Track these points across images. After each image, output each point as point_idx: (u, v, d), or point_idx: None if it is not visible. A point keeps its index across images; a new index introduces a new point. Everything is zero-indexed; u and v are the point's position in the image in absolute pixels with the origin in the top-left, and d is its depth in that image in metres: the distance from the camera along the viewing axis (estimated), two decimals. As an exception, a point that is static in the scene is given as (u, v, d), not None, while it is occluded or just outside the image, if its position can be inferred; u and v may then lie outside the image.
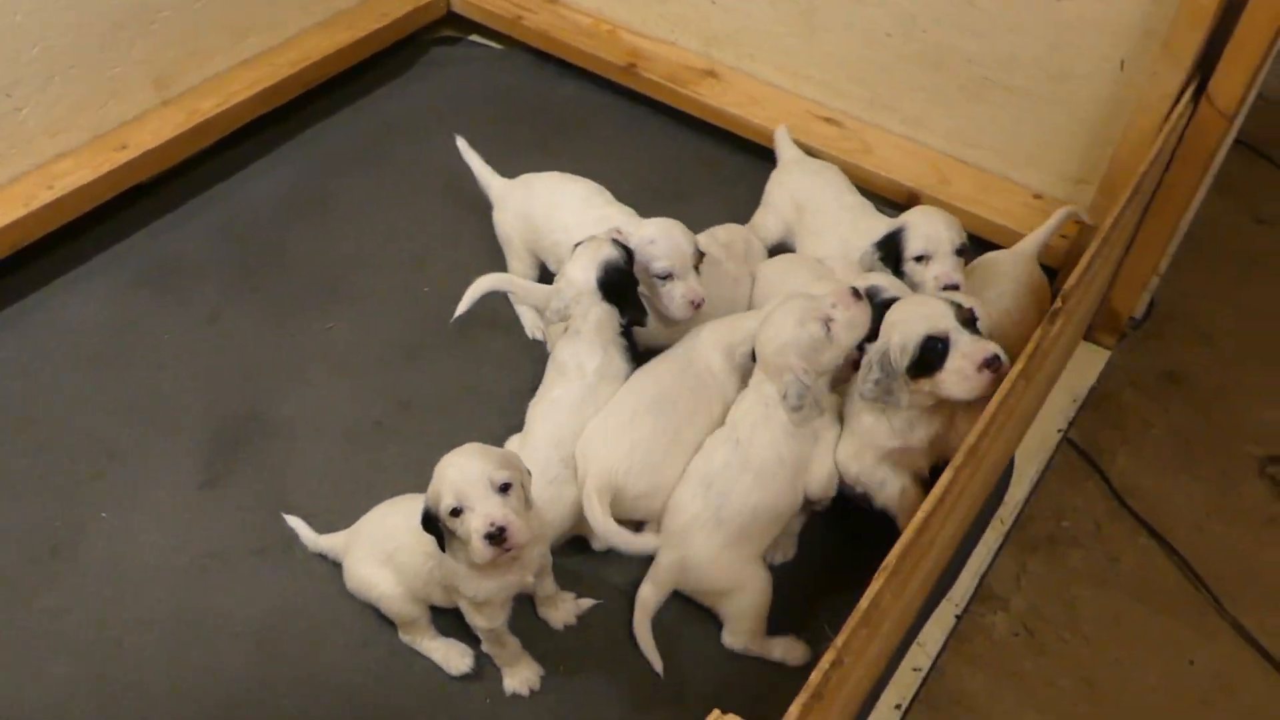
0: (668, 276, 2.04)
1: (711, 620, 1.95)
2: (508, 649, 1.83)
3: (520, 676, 1.85)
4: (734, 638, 1.92)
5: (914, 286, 2.06)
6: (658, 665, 1.86)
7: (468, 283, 2.49)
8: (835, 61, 2.64)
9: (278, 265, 2.57)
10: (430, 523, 1.63)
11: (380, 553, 1.85)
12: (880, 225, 2.17)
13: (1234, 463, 2.38)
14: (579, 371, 1.99)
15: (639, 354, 2.08)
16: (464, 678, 1.87)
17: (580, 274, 1.97)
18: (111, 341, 2.38)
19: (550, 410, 1.98)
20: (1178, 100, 2.00)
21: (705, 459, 1.91)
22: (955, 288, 2.04)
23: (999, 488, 2.14)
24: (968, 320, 1.76)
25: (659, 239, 2.04)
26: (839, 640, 1.13)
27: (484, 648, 1.86)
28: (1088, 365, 2.42)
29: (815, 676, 1.10)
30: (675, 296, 2.04)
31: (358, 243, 2.64)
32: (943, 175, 2.53)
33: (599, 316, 1.98)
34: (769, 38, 2.72)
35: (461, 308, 2.17)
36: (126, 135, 2.54)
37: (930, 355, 1.75)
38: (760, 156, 2.80)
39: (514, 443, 2.02)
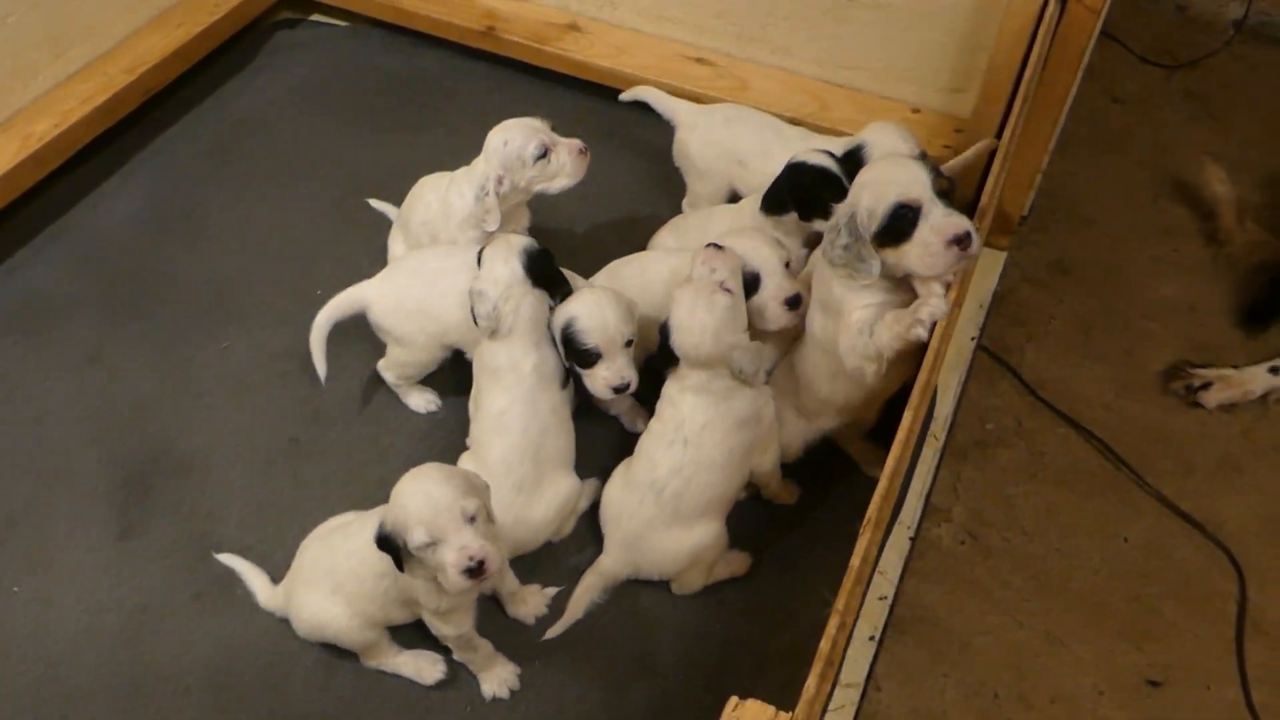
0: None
1: (665, 589, 1.95)
2: (480, 652, 1.79)
3: (498, 679, 1.81)
4: (687, 587, 1.95)
5: None
6: (555, 633, 1.88)
7: (359, 277, 2.39)
8: (698, 0, 2.60)
9: (152, 290, 2.41)
10: (386, 543, 1.56)
11: (325, 587, 1.76)
12: (832, 144, 2.12)
13: (1133, 340, 2.49)
14: (515, 373, 1.92)
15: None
16: (439, 686, 1.83)
17: (503, 268, 1.90)
18: (-17, 399, 2.21)
19: (498, 425, 1.91)
20: (1045, 1, 2.03)
21: (648, 465, 1.87)
22: None
23: (929, 406, 2.18)
24: (944, 192, 1.68)
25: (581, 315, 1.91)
26: (839, 603, 1.13)
27: (456, 656, 1.82)
28: (988, 270, 2.48)
29: (825, 645, 1.10)
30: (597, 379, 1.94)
31: (234, 253, 2.49)
32: (822, 101, 2.53)
33: (531, 307, 1.91)
34: (628, -18, 2.66)
35: (319, 363, 2.12)
36: (-41, 173, 2.33)
37: (900, 223, 1.66)
38: (635, 107, 2.75)
39: (466, 461, 1.94)
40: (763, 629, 1.92)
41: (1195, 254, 2.69)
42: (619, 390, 1.91)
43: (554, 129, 2.13)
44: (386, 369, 2.18)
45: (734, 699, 1.08)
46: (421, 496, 1.52)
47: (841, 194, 1.84)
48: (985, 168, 2.32)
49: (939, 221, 1.64)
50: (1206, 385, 2.35)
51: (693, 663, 1.88)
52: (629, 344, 1.91)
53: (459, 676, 1.85)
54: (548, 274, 1.94)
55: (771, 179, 2.01)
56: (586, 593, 1.92)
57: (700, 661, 1.88)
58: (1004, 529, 2.15)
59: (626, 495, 1.90)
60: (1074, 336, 2.50)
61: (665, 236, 2.31)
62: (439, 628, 1.73)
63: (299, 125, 2.79)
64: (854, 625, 1.82)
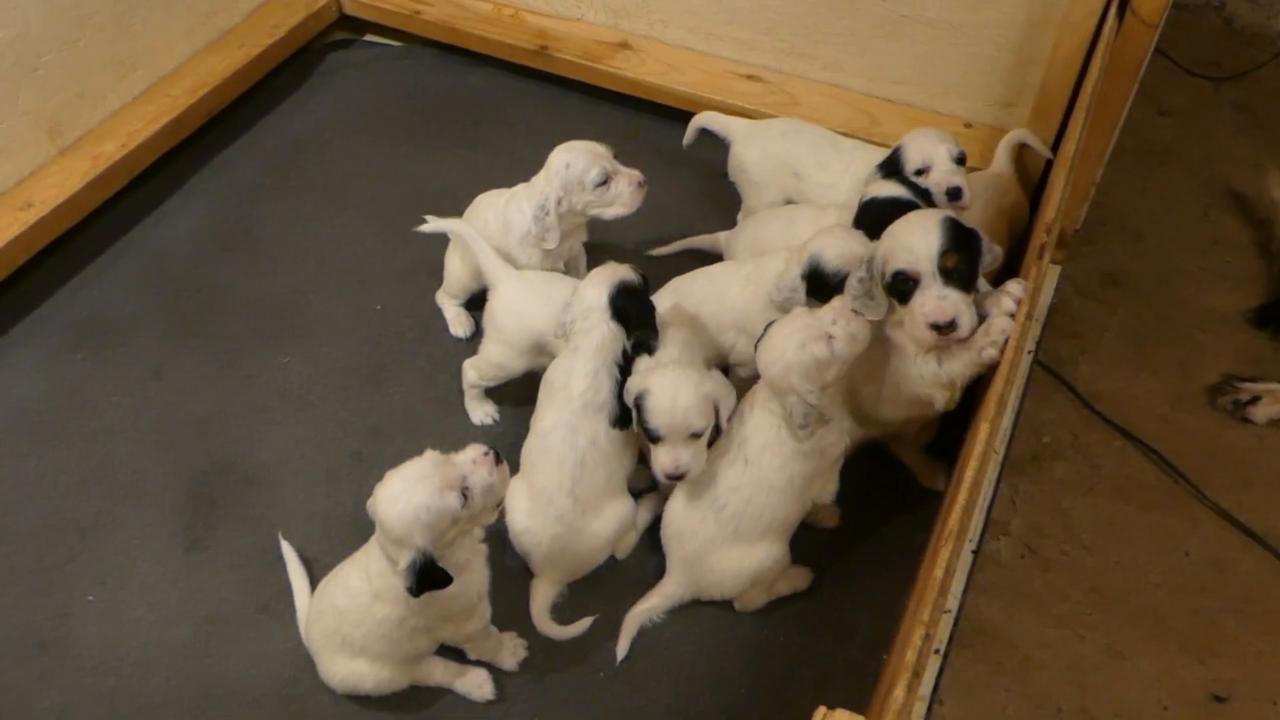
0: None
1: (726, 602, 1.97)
2: (493, 638, 1.83)
3: (511, 652, 1.87)
4: (749, 605, 1.96)
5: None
6: (621, 651, 1.90)
7: (416, 292, 2.45)
8: (747, 17, 2.62)
9: (214, 306, 2.46)
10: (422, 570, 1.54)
11: (343, 649, 1.75)
12: (877, 187, 2.11)
13: (1187, 352, 2.48)
14: (565, 393, 1.92)
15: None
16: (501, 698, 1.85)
17: (593, 292, 1.92)
18: (53, 414, 2.25)
19: (543, 445, 1.92)
20: (1103, 16, 2.04)
21: (709, 482, 1.87)
22: (958, 191, 2.06)
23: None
24: (948, 270, 1.69)
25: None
26: (924, 614, 1.14)
27: (473, 654, 1.84)
28: (1043, 283, 2.48)
29: (910, 656, 1.10)
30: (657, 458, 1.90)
31: (293, 270, 2.54)
32: (872, 117, 2.54)
33: (602, 336, 1.91)
34: (678, 2, 2.68)
35: (432, 227, 2.25)
36: (29, 193, 2.39)
37: (901, 287, 1.73)
38: (682, 120, 2.75)
39: (517, 485, 1.95)
40: (825, 641, 1.93)
41: (1247, 265, 2.68)
42: (672, 477, 1.85)
43: (616, 155, 2.16)
44: (472, 367, 2.20)
45: (822, 709, 1.09)
46: (395, 510, 1.55)
47: None
48: (1040, 182, 2.34)
49: (928, 303, 1.70)
50: (1255, 400, 2.34)
51: (757, 675, 1.89)
52: (696, 435, 1.83)
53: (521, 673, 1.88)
54: (629, 312, 1.92)
55: (828, 190, 2.03)
56: (645, 612, 1.93)
57: (764, 673, 1.89)
58: (1062, 542, 2.14)
59: (689, 513, 1.90)
60: (1127, 349, 2.49)
61: (741, 242, 2.33)
62: (466, 628, 1.74)
63: (354, 144, 2.84)
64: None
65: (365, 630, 1.69)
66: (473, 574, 1.68)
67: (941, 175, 2.07)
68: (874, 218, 1.95)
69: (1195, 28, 3.41)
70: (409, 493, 1.53)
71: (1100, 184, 2.61)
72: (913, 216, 1.78)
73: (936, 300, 1.69)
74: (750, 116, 2.52)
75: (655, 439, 1.84)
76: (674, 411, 1.80)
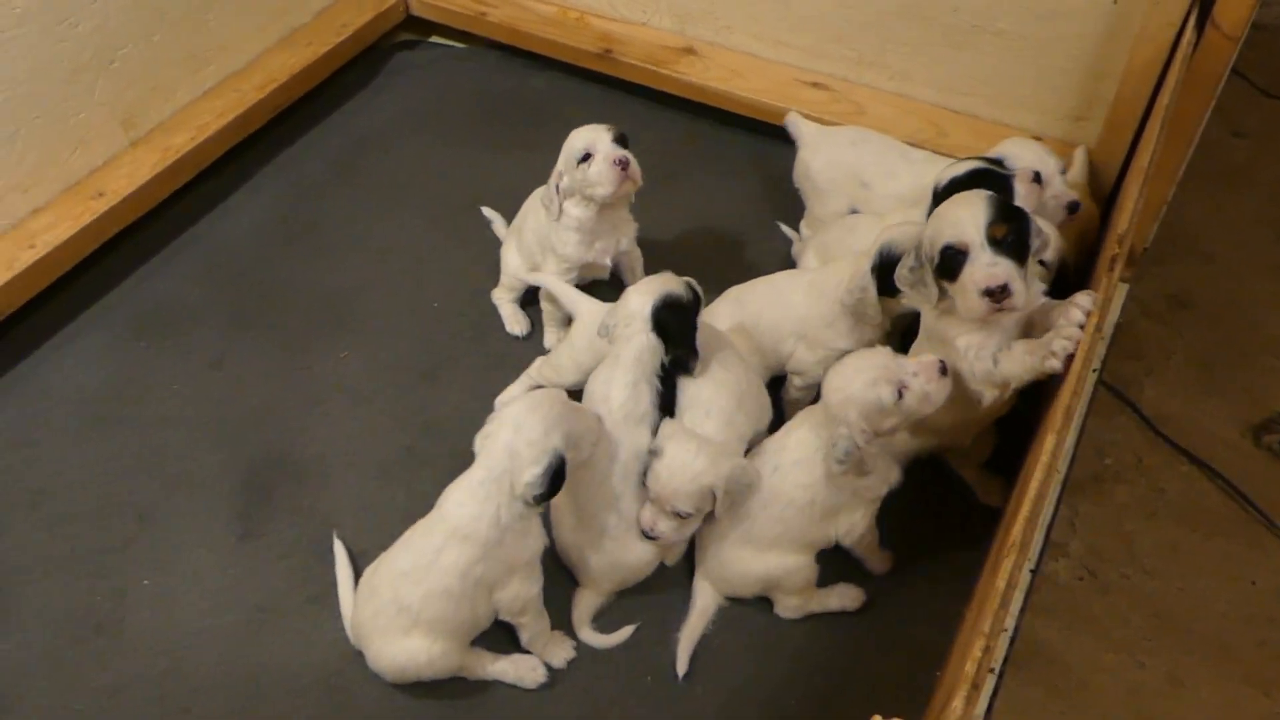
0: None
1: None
2: (545, 621, 1.84)
3: (559, 652, 1.87)
4: (787, 612, 1.93)
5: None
6: (681, 669, 1.87)
7: (473, 291, 2.47)
8: (815, 24, 2.61)
9: (274, 299, 2.49)
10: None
11: (399, 628, 1.74)
12: (955, 166, 2.07)
13: (1254, 376, 2.41)
14: (605, 405, 1.89)
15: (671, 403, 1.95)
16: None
17: (638, 301, 1.89)
18: (115, 399, 2.29)
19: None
20: (1181, 29, 1.99)
21: None
22: (1076, 205, 2.04)
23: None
24: (998, 240, 1.64)
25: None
26: (984, 625, 1.11)
27: (525, 636, 1.84)
28: (1111, 302, 2.42)
29: (970, 667, 1.08)
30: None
31: (353, 265, 2.56)
32: (939, 128, 2.51)
33: (640, 348, 1.88)
34: (744, 7, 2.67)
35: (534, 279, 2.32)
36: (102, 182, 2.44)
37: (949, 263, 1.69)
38: (744, 128, 2.78)
39: (561, 499, 1.89)
40: (875, 654, 1.90)
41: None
42: (645, 535, 1.85)
43: (625, 139, 2.10)
44: (547, 364, 2.22)
45: (877, 717, 1.07)
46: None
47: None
48: (1111, 195, 2.29)
49: (978, 270, 1.65)
50: None
51: (805, 684, 1.86)
52: (680, 515, 1.80)
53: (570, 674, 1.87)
54: (670, 327, 1.88)
55: (896, 201, 2.00)
56: (694, 629, 1.91)
57: (813, 683, 1.86)
58: (1123, 566, 2.09)
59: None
60: (1194, 373, 2.43)
61: (809, 256, 2.31)
62: (524, 592, 1.75)
63: (416, 143, 2.86)
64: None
65: (427, 587, 1.69)
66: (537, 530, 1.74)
67: (1060, 189, 2.03)
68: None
69: (1273, 48, 3.32)
70: (549, 405, 1.70)
71: (1171, 203, 2.55)
72: (958, 196, 1.73)
73: (987, 267, 1.64)
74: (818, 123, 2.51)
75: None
76: (668, 487, 1.78)
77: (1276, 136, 3.02)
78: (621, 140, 2.10)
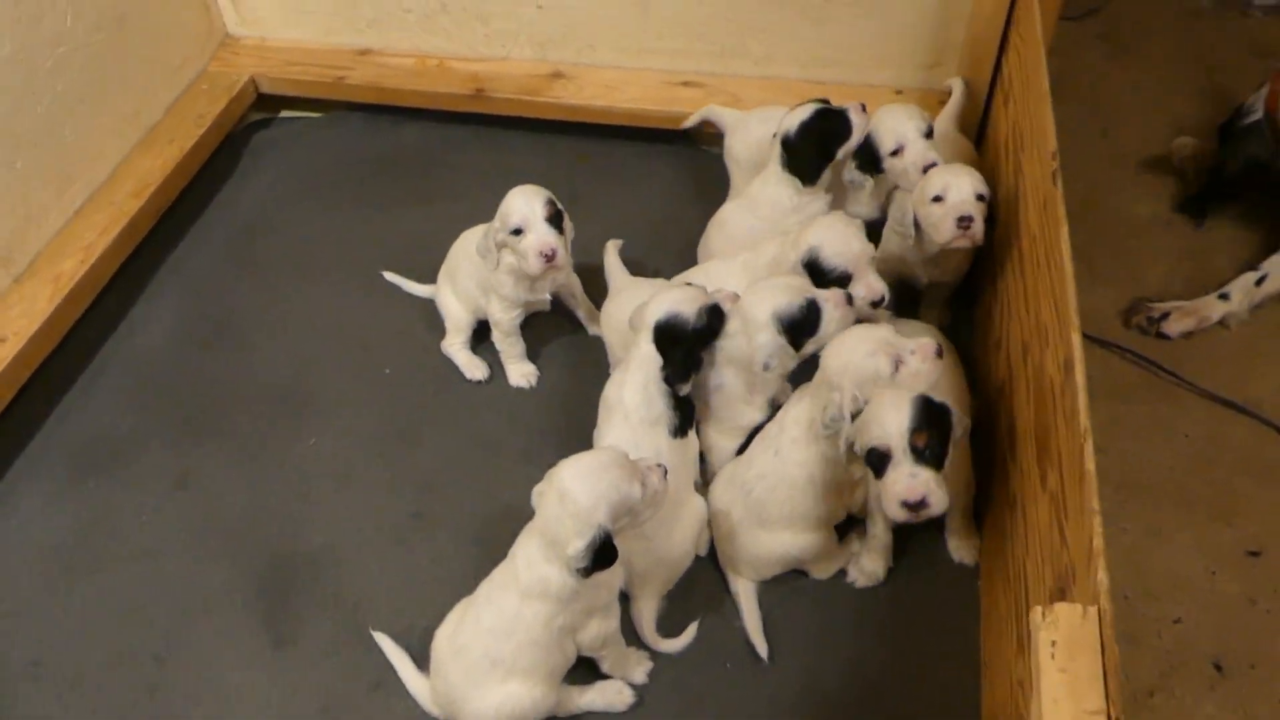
0: None
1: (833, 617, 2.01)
2: (623, 642, 1.87)
3: (639, 668, 1.91)
4: (820, 574, 2.04)
5: (896, 179, 2.26)
6: (763, 650, 1.93)
7: (419, 348, 2.46)
8: (675, 28, 2.74)
9: (215, 404, 2.39)
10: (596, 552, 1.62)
11: (495, 679, 1.74)
12: (796, 112, 2.26)
13: (1130, 259, 2.72)
14: (621, 409, 1.94)
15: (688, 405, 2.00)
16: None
17: (651, 308, 1.93)
18: (80, 546, 2.14)
19: None
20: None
21: (746, 463, 1.96)
22: (934, 165, 2.20)
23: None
24: (924, 447, 1.68)
25: None
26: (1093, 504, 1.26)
27: (606, 664, 1.87)
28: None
29: (1098, 542, 1.23)
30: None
31: (282, 352, 2.49)
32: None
33: (645, 354, 1.92)
34: (603, 24, 2.77)
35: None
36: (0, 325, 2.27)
37: (874, 461, 1.72)
38: (622, 137, 2.87)
39: None
40: (939, 596, 2.02)
41: (1156, 175, 2.94)
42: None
43: (559, 216, 2.14)
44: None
45: (1039, 608, 1.20)
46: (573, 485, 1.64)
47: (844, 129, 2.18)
48: (981, 125, 2.53)
49: (899, 482, 1.68)
50: (1165, 316, 2.51)
51: (878, 644, 1.96)
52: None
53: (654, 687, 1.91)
54: (665, 347, 1.92)
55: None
56: (751, 615, 1.97)
57: (885, 640, 1.96)
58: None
59: (724, 493, 1.99)
60: (1078, 267, 2.69)
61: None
62: (606, 625, 1.78)
63: (303, 217, 2.80)
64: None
65: (516, 640, 1.70)
66: (617, 567, 1.73)
67: (916, 154, 2.21)
68: (813, 139, 2.19)
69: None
70: (601, 473, 1.62)
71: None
72: (887, 395, 1.74)
73: (908, 478, 1.68)
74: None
75: None
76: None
77: (1076, 53, 3.39)
78: (555, 218, 2.12)
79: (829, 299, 1.93)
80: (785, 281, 1.97)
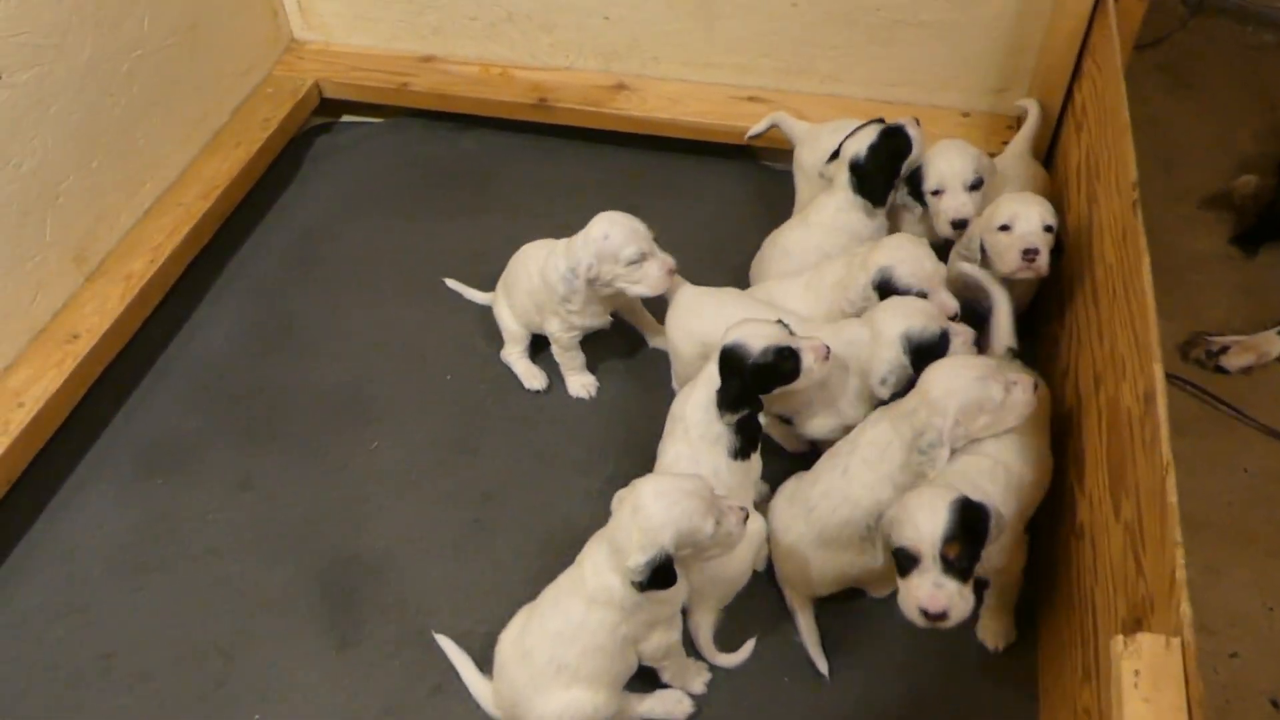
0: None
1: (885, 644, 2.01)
2: (682, 655, 1.88)
3: (697, 677, 1.92)
4: (877, 594, 2.03)
5: (933, 217, 2.27)
6: (823, 666, 1.94)
7: (480, 356, 2.47)
8: (740, 44, 2.75)
9: (278, 408, 2.41)
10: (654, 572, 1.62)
11: (560, 684, 1.74)
12: (862, 135, 2.30)
13: (1187, 293, 2.71)
14: (683, 424, 1.95)
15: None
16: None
17: (730, 333, 1.91)
18: (148, 543, 2.17)
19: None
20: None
21: (811, 480, 1.95)
22: (964, 223, 2.21)
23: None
24: (954, 559, 1.63)
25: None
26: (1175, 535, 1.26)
27: (666, 674, 1.88)
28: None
29: (1180, 574, 1.22)
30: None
31: (345, 357, 2.51)
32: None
33: (710, 375, 1.93)
34: (669, 38, 2.78)
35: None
36: (72, 323, 2.30)
37: (901, 560, 1.68)
38: (681, 151, 2.88)
39: None
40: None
41: (1214, 210, 2.92)
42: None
43: (656, 238, 2.18)
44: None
45: (1120, 637, 1.21)
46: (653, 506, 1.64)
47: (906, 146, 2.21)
48: (1050, 149, 2.53)
49: (923, 589, 1.64)
50: (1224, 350, 2.49)
51: (937, 657, 1.97)
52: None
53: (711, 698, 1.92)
54: (724, 377, 1.90)
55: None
56: (809, 630, 1.98)
57: (943, 654, 1.97)
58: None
59: (786, 509, 1.97)
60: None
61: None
62: (668, 637, 1.79)
63: (364, 224, 2.83)
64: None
65: (581, 646, 1.71)
66: (681, 582, 1.73)
67: (950, 204, 2.23)
68: (882, 159, 2.22)
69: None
70: (680, 498, 1.62)
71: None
72: (925, 492, 1.70)
73: (932, 588, 1.64)
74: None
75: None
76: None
77: (1136, 83, 3.37)
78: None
79: (959, 332, 1.93)
80: (922, 304, 1.97)
